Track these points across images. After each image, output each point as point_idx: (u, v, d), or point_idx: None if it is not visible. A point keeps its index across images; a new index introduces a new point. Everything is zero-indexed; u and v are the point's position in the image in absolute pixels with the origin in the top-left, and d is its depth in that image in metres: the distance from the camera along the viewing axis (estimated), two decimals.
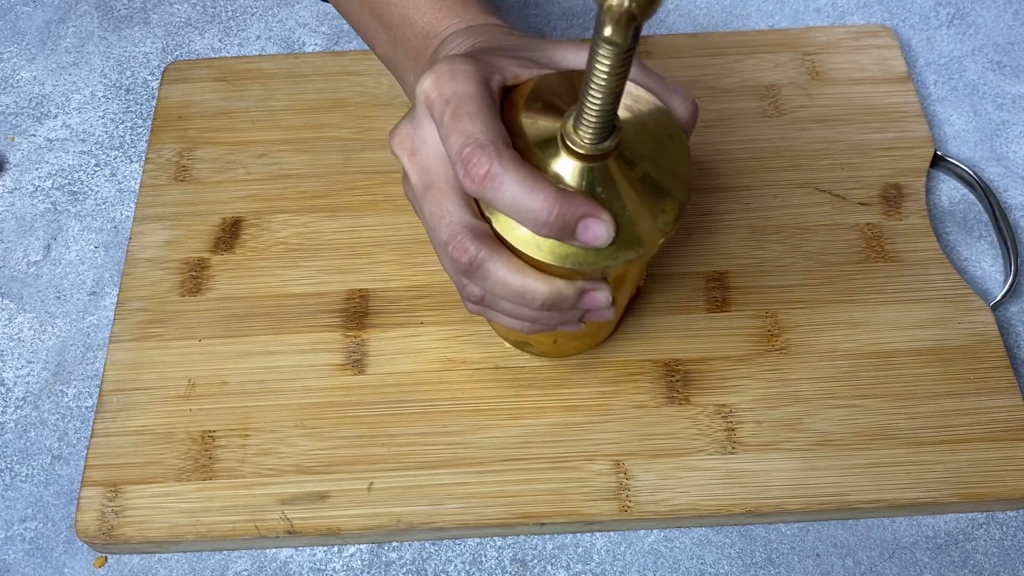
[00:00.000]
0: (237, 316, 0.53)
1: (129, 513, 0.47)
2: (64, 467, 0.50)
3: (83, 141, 0.62)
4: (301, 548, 0.48)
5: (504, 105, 0.37)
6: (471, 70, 0.37)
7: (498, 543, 0.48)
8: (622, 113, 0.37)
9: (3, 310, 0.55)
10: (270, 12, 0.68)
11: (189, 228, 0.56)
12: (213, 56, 0.65)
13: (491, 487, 0.47)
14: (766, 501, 0.47)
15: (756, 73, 0.61)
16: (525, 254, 0.37)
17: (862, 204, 0.56)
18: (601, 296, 0.39)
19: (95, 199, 0.59)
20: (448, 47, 0.42)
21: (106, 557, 0.48)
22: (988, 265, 0.56)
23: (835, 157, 0.58)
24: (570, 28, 0.66)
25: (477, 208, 0.38)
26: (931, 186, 0.58)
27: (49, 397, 0.53)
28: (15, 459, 0.51)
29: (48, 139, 0.62)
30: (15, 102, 0.64)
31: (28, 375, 0.53)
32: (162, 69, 0.64)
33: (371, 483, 0.48)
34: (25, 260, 0.57)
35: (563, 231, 0.35)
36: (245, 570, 0.48)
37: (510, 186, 0.34)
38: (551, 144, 0.36)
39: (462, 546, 0.48)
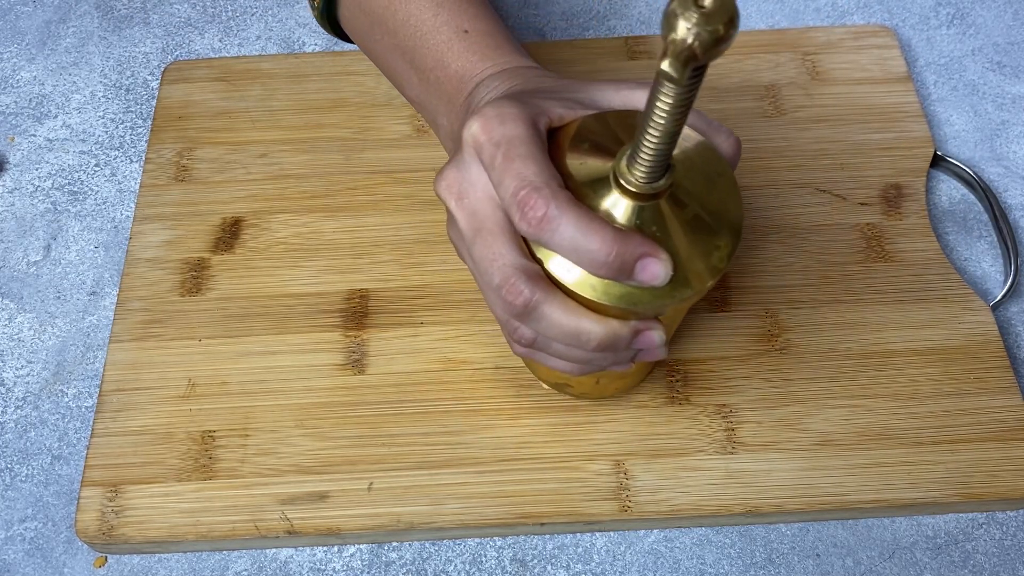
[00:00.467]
0: (237, 316, 0.53)
1: (129, 513, 0.47)
2: (64, 467, 0.50)
3: (83, 141, 0.62)
4: (301, 548, 0.48)
5: (549, 147, 0.37)
6: (519, 112, 0.36)
7: (498, 543, 0.48)
8: None
9: (3, 310, 0.55)
10: (270, 12, 0.68)
11: (189, 228, 0.56)
12: (213, 56, 0.65)
13: (491, 487, 0.47)
14: (766, 501, 0.47)
15: (756, 73, 0.61)
16: (579, 295, 0.36)
17: (862, 204, 0.56)
18: (656, 335, 0.39)
19: (95, 199, 0.59)
20: (484, 90, 0.42)
21: (106, 557, 0.48)
22: (988, 265, 0.56)
23: (835, 157, 0.58)
24: (570, 28, 0.66)
25: (528, 249, 0.37)
26: (931, 186, 0.58)
27: (49, 397, 0.53)
28: (15, 459, 0.51)
29: (48, 139, 0.62)
30: (15, 102, 0.64)
31: (28, 375, 0.53)
32: (162, 69, 0.64)
33: (371, 483, 0.48)
34: (25, 260, 0.57)
35: (621, 271, 0.35)
36: (245, 570, 0.48)
37: (567, 228, 0.34)
38: (601, 184, 0.36)
39: (462, 546, 0.48)
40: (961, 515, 0.48)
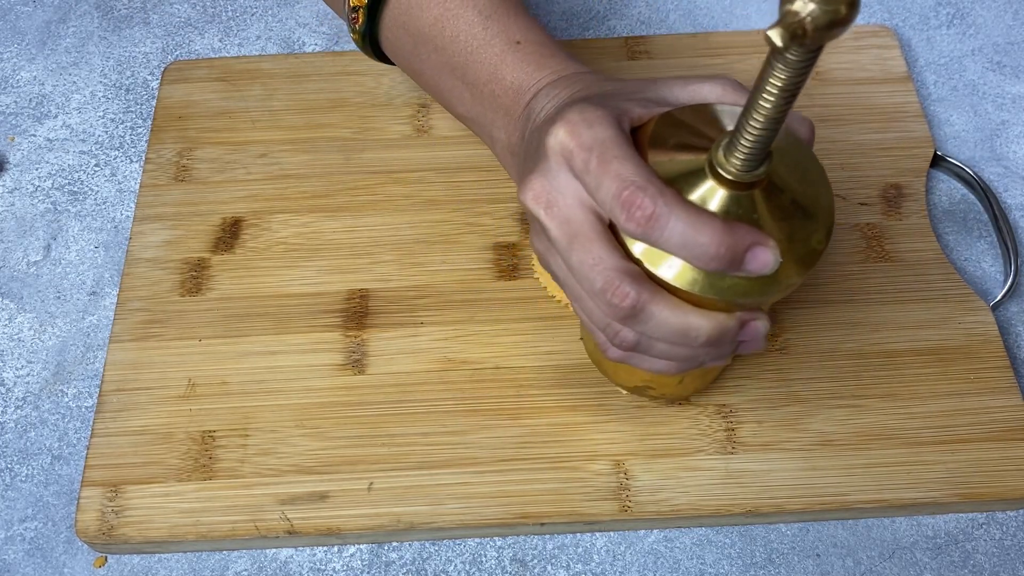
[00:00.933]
0: (237, 316, 0.53)
1: (129, 513, 0.47)
2: (64, 467, 0.50)
3: (83, 141, 0.62)
4: (301, 548, 0.48)
5: None
6: (604, 115, 0.36)
7: (498, 543, 0.48)
8: None
9: (3, 310, 0.55)
10: (270, 12, 0.68)
11: (189, 228, 0.56)
12: (213, 56, 0.65)
13: (491, 487, 0.47)
14: (766, 501, 0.47)
15: (756, 73, 0.61)
16: (684, 291, 0.36)
17: (862, 204, 0.56)
18: (761, 325, 0.38)
19: (95, 199, 0.59)
20: (543, 99, 0.41)
21: (106, 557, 0.48)
22: (988, 265, 0.56)
23: (835, 157, 0.58)
24: (570, 28, 0.66)
25: (626, 251, 0.37)
26: (931, 186, 0.58)
27: (49, 397, 0.53)
28: (15, 459, 0.51)
29: (48, 139, 0.62)
30: (15, 102, 0.64)
31: (28, 375, 0.53)
32: (162, 69, 0.64)
33: (371, 483, 0.48)
34: (25, 260, 0.57)
35: (732, 263, 0.34)
36: (245, 570, 0.48)
37: (677, 224, 0.34)
38: (693, 177, 0.35)
39: (462, 546, 0.48)
40: (961, 515, 0.48)
